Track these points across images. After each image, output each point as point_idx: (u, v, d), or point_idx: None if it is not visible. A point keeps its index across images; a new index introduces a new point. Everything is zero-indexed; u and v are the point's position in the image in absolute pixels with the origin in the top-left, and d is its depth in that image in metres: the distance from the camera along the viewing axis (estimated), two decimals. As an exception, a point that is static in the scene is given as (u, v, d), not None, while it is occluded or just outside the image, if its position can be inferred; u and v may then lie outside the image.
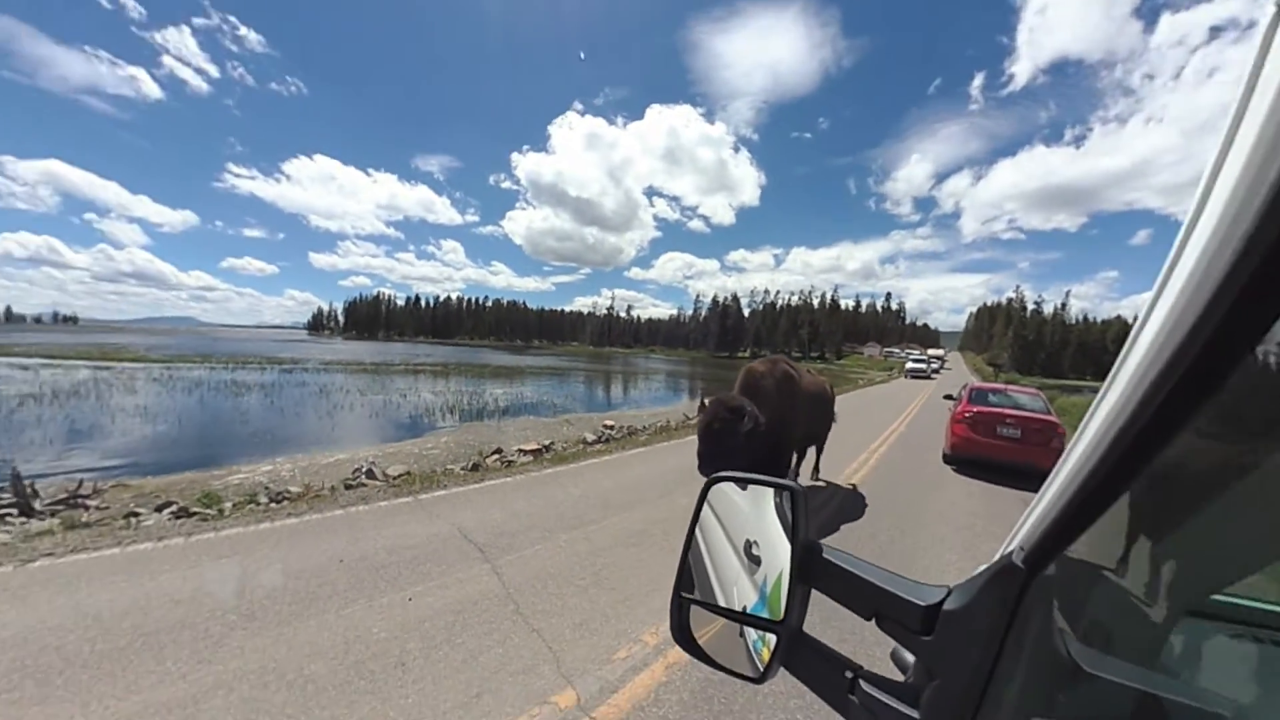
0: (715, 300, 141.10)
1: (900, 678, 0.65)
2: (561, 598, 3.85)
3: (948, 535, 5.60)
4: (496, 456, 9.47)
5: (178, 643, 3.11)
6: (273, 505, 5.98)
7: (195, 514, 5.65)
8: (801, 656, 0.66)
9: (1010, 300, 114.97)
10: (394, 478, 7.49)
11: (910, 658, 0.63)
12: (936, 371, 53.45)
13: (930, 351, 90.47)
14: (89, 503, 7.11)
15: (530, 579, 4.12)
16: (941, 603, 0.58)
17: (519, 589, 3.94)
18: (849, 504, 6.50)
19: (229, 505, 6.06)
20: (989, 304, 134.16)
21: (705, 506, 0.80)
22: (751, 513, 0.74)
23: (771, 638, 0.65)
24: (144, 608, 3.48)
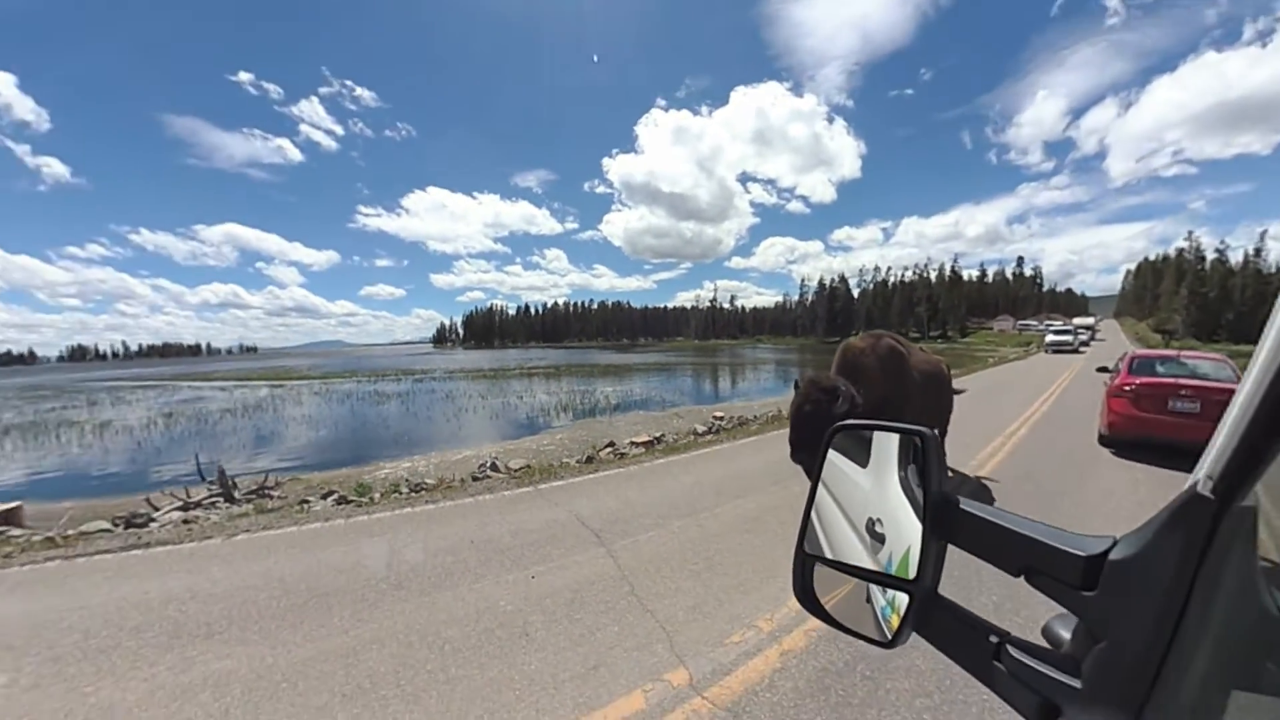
0: (821, 283, 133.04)
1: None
2: (675, 581, 3.92)
3: (1106, 532, 4.84)
4: (609, 449, 9.80)
5: (341, 603, 3.64)
6: (413, 494, 6.69)
7: (352, 501, 6.50)
8: (937, 620, 0.60)
9: (1181, 251, 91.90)
10: (515, 470, 8.04)
11: (1065, 634, 0.56)
12: (1086, 344, 44.80)
13: (1076, 321, 75.70)
14: (272, 492, 8.46)
15: (644, 563, 4.23)
16: (1107, 552, 0.50)
17: (633, 572, 4.07)
18: (981, 497, 5.85)
19: (378, 495, 6.87)
20: (1151, 258, 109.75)
21: (829, 459, 0.76)
22: (873, 489, 0.70)
23: (902, 601, 0.60)
24: (315, 574, 4.12)
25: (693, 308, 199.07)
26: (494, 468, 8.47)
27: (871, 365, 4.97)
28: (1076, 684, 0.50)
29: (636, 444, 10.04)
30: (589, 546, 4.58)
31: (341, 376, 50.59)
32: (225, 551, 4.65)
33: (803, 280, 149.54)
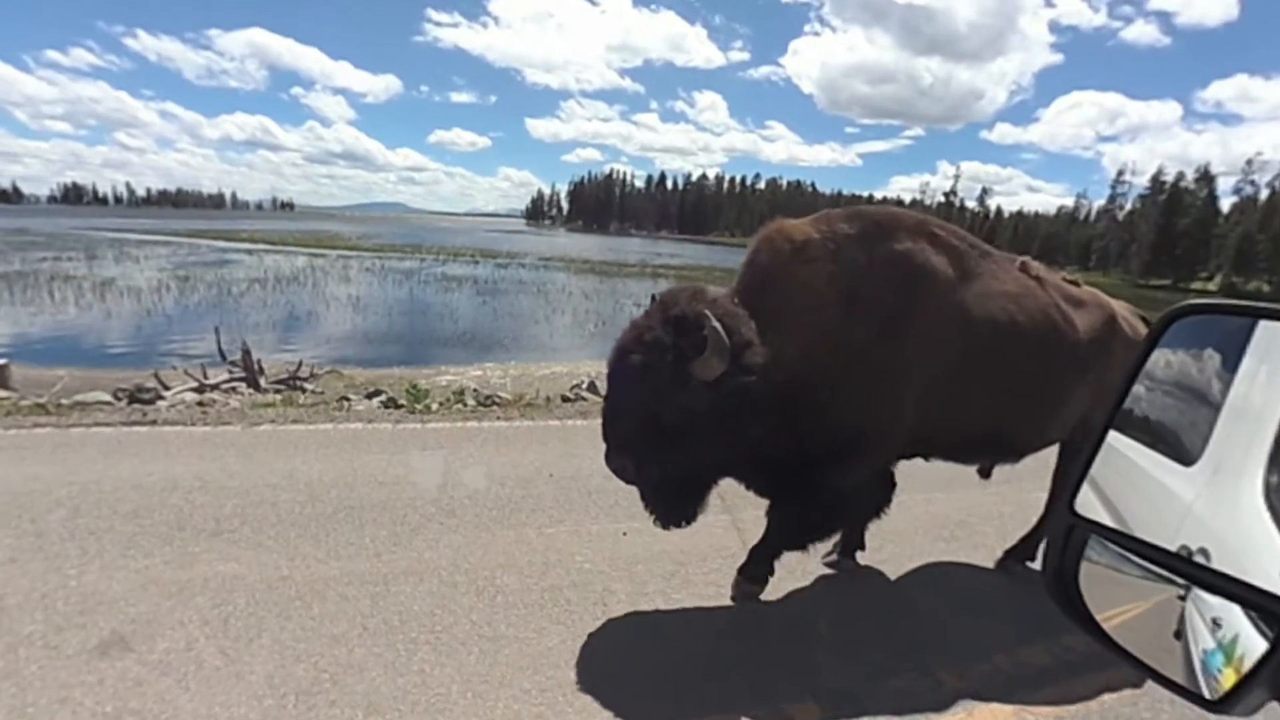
0: (1158, 179, 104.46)
1: None
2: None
3: None
4: (755, 389, 9.83)
5: (377, 522, 4.14)
6: (480, 408, 7.29)
7: (402, 406, 7.21)
8: None
9: None
10: (618, 396, 8.38)
11: None
12: None
13: None
14: (306, 384, 9.69)
15: (781, 544, 4.28)
16: None
17: (763, 553, 4.14)
18: None
19: (435, 403, 7.55)
20: None
21: (1149, 366, 0.66)
22: (1203, 497, 0.58)
23: (1256, 647, 0.50)
24: (349, 483, 4.70)
25: (914, 201, 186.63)
26: (593, 388, 8.87)
27: (815, 280, 3.23)
28: None
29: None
30: (707, 508, 4.69)
31: (401, 251, 55.50)
32: (245, 441, 5.44)
33: (1120, 172, 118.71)
